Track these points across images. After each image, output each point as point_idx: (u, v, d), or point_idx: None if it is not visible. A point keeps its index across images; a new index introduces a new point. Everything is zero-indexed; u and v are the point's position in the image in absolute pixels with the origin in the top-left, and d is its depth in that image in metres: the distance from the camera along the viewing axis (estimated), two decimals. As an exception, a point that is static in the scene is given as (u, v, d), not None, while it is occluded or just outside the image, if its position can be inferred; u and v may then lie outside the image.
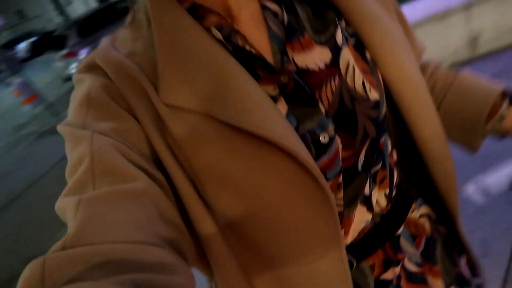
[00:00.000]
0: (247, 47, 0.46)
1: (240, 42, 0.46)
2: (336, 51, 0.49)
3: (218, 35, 0.46)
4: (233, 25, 0.47)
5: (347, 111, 0.48)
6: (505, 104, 0.58)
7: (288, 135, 0.43)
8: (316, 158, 0.46)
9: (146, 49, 0.46)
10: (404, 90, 0.50)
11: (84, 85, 0.46)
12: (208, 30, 0.46)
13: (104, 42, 0.50)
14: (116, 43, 0.48)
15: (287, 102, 0.46)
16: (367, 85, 0.49)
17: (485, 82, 0.61)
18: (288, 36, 0.48)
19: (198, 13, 0.47)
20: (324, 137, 0.47)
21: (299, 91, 0.47)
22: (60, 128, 0.45)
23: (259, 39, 0.48)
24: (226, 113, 0.42)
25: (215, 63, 0.44)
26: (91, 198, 0.35)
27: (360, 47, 0.51)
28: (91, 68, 0.47)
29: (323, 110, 0.47)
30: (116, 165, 0.38)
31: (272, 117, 0.43)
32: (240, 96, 0.42)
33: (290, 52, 0.48)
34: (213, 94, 0.43)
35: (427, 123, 0.52)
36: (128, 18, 0.51)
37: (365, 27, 0.49)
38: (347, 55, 0.49)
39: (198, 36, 0.45)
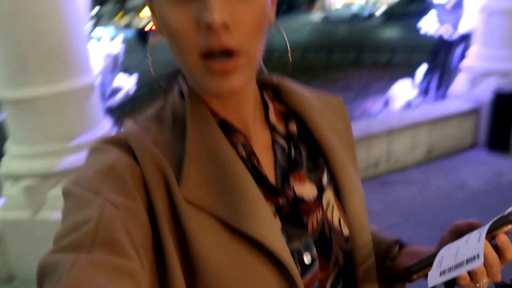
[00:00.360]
0: (260, 169, 0.54)
1: (255, 163, 0.54)
2: (320, 190, 0.59)
3: (243, 152, 0.54)
4: (253, 148, 0.55)
5: (326, 239, 0.57)
6: (396, 248, 0.69)
7: (285, 249, 0.49)
8: (301, 275, 0.52)
9: (169, 142, 0.52)
10: (356, 234, 0.61)
11: (107, 156, 0.48)
12: (233, 145, 0.53)
13: (131, 125, 0.53)
14: (141, 130, 0.52)
15: (281, 220, 0.53)
16: (342, 222, 0.59)
17: (384, 234, 0.74)
18: (292, 167, 0.57)
19: (227, 128, 0.54)
20: (307, 258, 0.54)
21: (293, 214, 0.55)
22: (67, 186, 0.46)
23: (267, 164, 0.56)
24: (236, 218, 0.48)
25: (235, 175, 0.50)
26: (87, 261, 0.36)
27: (337, 191, 0.61)
28: (120, 144, 0.50)
29: (309, 234, 0.55)
30: (118, 239, 0.40)
31: (273, 230, 0.49)
32: (251, 207, 0.49)
33: (292, 181, 0.57)
34: (228, 200, 0.49)
35: (368, 262, 0.62)
36: (151, 111, 0.56)
37: (342, 179, 0.61)
38: (329, 195, 0.60)
39: (225, 149, 0.52)
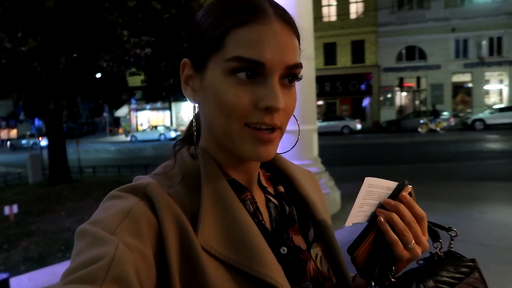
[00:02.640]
0: (264, 223, 0.61)
1: (260, 218, 0.61)
2: (308, 244, 0.66)
3: (250, 208, 0.60)
4: (258, 205, 0.62)
5: (322, 285, 0.63)
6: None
7: None
8: None
9: (180, 196, 0.56)
10: (344, 281, 0.68)
11: (127, 202, 0.52)
12: (241, 201, 0.59)
13: (146, 178, 0.58)
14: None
15: (282, 268, 0.57)
16: (330, 271, 0.66)
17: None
18: (289, 221, 0.64)
19: (236, 186, 0.61)
20: None
21: (293, 262, 0.60)
22: (83, 227, 0.49)
23: (265, 219, 0.62)
24: (248, 265, 0.53)
25: (246, 227, 0.55)
26: None
27: (324, 245, 0.68)
28: (137, 192, 0.53)
29: (308, 280, 0.60)
30: (128, 277, 0.43)
31: (281, 275, 0.55)
32: (261, 255, 0.54)
33: (290, 233, 0.63)
34: (239, 249, 0.54)
35: None
36: (158, 170, 0.63)
37: (327, 234, 0.69)
38: (316, 249, 0.66)
39: (236, 204, 0.57)
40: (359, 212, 0.62)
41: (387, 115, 27.04)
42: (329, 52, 28.88)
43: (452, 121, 22.69)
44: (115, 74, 11.23)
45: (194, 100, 0.61)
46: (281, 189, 0.69)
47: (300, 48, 0.58)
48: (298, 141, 0.72)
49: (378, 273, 0.62)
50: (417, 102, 28.69)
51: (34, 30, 8.78)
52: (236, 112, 0.54)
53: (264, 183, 0.68)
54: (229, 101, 0.53)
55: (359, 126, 24.40)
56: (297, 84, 0.59)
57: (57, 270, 3.25)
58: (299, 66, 0.56)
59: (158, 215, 0.51)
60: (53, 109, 10.68)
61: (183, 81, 0.62)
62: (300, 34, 0.58)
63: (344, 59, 28.73)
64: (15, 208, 7.46)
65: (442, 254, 0.65)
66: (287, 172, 0.71)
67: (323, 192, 0.77)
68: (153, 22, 10.24)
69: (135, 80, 16.95)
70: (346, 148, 16.98)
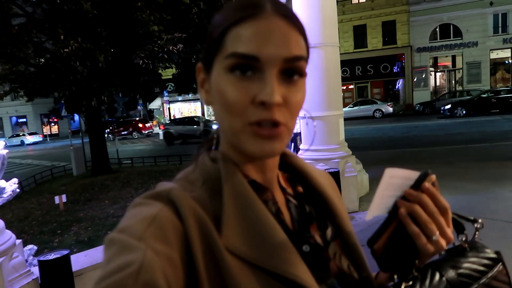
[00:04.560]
0: (285, 222, 0.61)
1: (282, 217, 0.61)
2: (326, 243, 0.64)
3: (272, 208, 0.60)
4: (279, 205, 0.62)
5: (345, 282, 0.62)
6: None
7: None
8: None
9: (203, 199, 0.56)
10: (366, 278, 0.65)
11: (151, 208, 0.52)
12: (263, 201, 0.59)
13: (169, 184, 0.59)
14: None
15: (307, 266, 0.56)
16: (351, 268, 0.64)
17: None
18: (310, 220, 0.65)
19: (257, 187, 0.61)
20: None
21: (316, 260, 0.60)
22: (111, 235, 0.49)
23: (286, 219, 0.62)
24: (274, 264, 0.53)
25: (269, 227, 0.55)
26: None
27: (342, 243, 0.66)
28: (161, 198, 0.54)
29: (333, 276, 0.60)
30: (157, 283, 0.43)
31: (308, 273, 0.55)
32: (285, 254, 0.54)
33: (312, 231, 0.63)
34: (264, 249, 0.54)
35: None
36: (180, 175, 0.63)
37: (346, 232, 0.66)
38: (334, 247, 0.65)
39: (258, 204, 0.57)
40: (380, 204, 0.61)
41: (421, 97, 26.36)
42: (359, 35, 28.39)
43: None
44: (150, 70, 11.72)
45: (207, 103, 0.62)
46: (300, 189, 0.69)
47: (305, 44, 0.58)
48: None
49: (401, 267, 0.61)
50: (452, 82, 27.81)
51: (74, 32, 9.33)
52: (237, 110, 0.54)
53: (283, 184, 0.68)
54: (229, 98, 0.54)
55: (391, 109, 23.99)
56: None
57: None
58: (299, 58, 0.55)
59: (183, 219, 0.52)
60: (94, 105, 11.30)
61: (199, 85, 0.63)
62: (303, 29, 0.58)
63: (374, 41, 28.17)
64: (64, 198, 8.12)
65: (467, 245, 0.63)
66: (304, 171, 0.70)
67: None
68: (182, 16, 10.58)
69: (167, 73, 17.47)
70: (377, 132, 16.87)
